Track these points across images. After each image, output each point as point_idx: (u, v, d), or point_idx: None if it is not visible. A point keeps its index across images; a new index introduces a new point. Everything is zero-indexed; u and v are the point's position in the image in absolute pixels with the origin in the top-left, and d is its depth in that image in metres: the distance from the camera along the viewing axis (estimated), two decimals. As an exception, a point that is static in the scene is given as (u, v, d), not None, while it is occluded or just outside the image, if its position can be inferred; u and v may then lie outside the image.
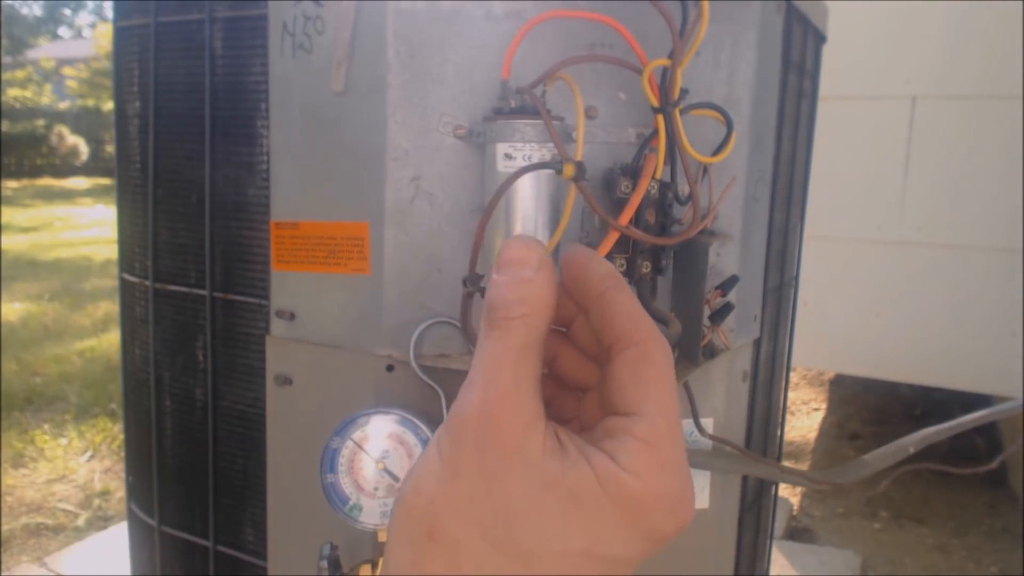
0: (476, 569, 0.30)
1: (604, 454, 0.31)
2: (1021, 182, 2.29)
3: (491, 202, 0.56)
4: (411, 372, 0.65)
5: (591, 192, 0.65)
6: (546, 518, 0.30)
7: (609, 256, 0.62)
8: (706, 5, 0.61)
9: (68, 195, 12.71)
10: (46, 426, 3.26)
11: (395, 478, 0.63)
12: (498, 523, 0.30)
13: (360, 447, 0.63)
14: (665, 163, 0.64)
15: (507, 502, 0.30)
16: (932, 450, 0.94)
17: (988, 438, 3.00)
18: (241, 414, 0.78)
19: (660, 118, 0.61)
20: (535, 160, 0.60)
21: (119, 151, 0.89)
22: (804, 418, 3.62)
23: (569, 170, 0.57)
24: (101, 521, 2.54)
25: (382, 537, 0.63)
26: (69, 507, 2.62)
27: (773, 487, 1.06)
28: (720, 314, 0.71)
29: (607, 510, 0.30)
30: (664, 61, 0.61)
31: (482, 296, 0.60)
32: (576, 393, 0.38)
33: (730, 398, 0.77)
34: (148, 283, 0.83)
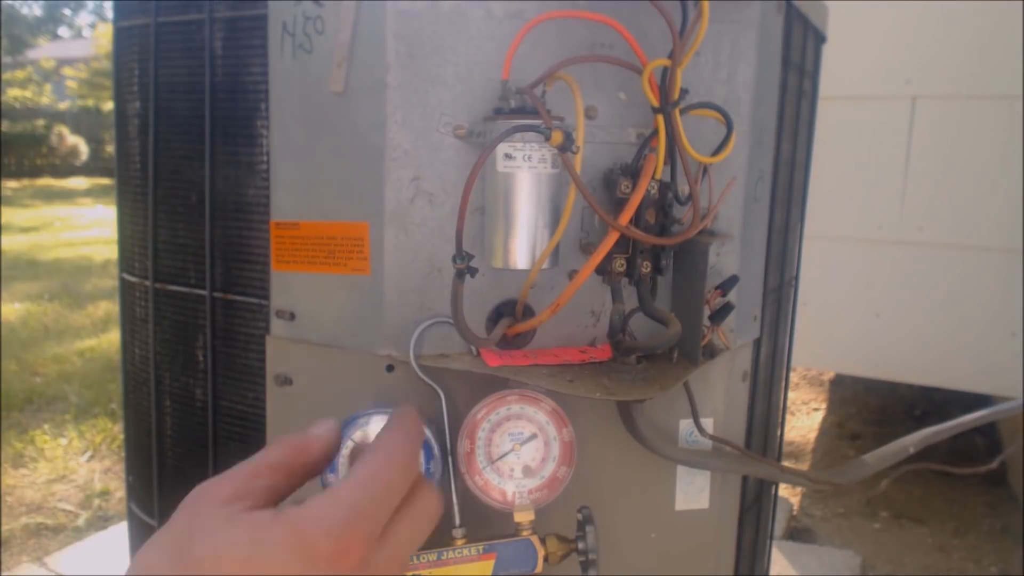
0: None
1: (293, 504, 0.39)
2: (1021, 182, 2.29)
3: (476, 164, 0.56)
4: (411, 372, 0.65)
5: (591, 192, 0.65)
6: (220, 541, 0.36)
7: (609, 256, 0.62)
8: (706, 5, 0.61)
9: (68, 195, 12.70)
10: (46, 426, 3.26)
11: (395, 478, 0.63)
12: (185, 547, 0.37)
13: (360, 447, 0.63)
14: (665, 163, 0.64)
15: (197, 535, 0.37)
16: (932, 450, 0.94)
17: (988, 438, 3.00)
18: (241, 414, 0.78)
19: (660, 118, 0.61)
20: (535, 160, 0.60)
21: (119, 151, 0.89)
22: (804, 418, 3.62)
23: (557, 137, 0.57)
24: (101, 521, 2.54)
25: (382, 537, 0.63)
26: (69, 507, 2.62)
27: (773, 487, 1.06)
28: (720, 314, 0.71)
29: (274, 528, 0.36)
30: (664, 61, 0.61)
31: (471, 275, 0.60)
32: None
33: (730, 398, 0.77)
34: (148, 283, 0.83)
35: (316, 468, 0.46)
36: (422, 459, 0.64)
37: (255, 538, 0.35)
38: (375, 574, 0.37)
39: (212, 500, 0.39)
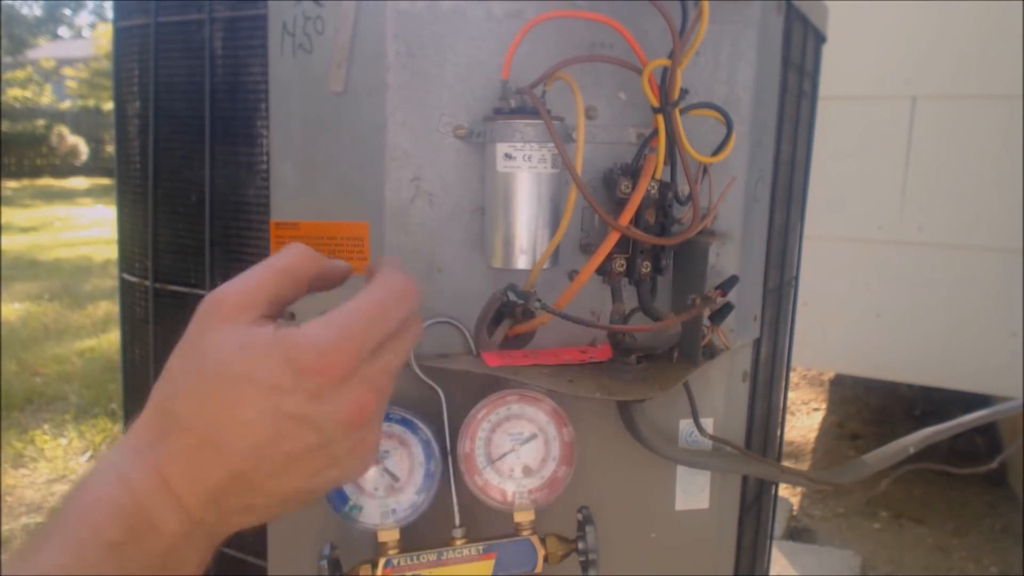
0: (172, 385, 0.43)
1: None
2: (1021, 182, 2.29)
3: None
4: (411, 372, 0.65)
5: (591, 192, 0.65)
6: (221, 351, 0.42)
7: (609, 256, 0.62)
8: (706, 5, 0.61)
9: (68, 195, 12.70)
10: (46, 426, 3.26)
11: (395, 478, 0.63)
12: (195, 356, 0.43)
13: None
14: (665, 163, 0.64)
15: (204, 346, 0.43)
16: (932, 450, 0.94)
17: (988, 438, 3.00)
18: (241, 414, 0.78)
19: (660, 118, 0.61)
20: (535, 160, 0.60)
21: (119, 151, 0.89)
22: (804, 418, 3.62)
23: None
24: (101, 521, 2.53)
25: (382, 537, 0.63)
26: (69, 507, 2.61)
27: (773, 487, 1.06)
28: (720, 314, 0.71)
29: (269, 350, 0.41)
30: (664, 61, 0.61)
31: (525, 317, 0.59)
32: None
33: (730, 398, 0.77)
34: (148, 283, 0.83)
35: (324, 283, 0.48)
36: (423, 458, 0.64)
37: (252, 357, 0.41)
38: (358, 387, 0.42)
39: (219, 310, 0.43)
